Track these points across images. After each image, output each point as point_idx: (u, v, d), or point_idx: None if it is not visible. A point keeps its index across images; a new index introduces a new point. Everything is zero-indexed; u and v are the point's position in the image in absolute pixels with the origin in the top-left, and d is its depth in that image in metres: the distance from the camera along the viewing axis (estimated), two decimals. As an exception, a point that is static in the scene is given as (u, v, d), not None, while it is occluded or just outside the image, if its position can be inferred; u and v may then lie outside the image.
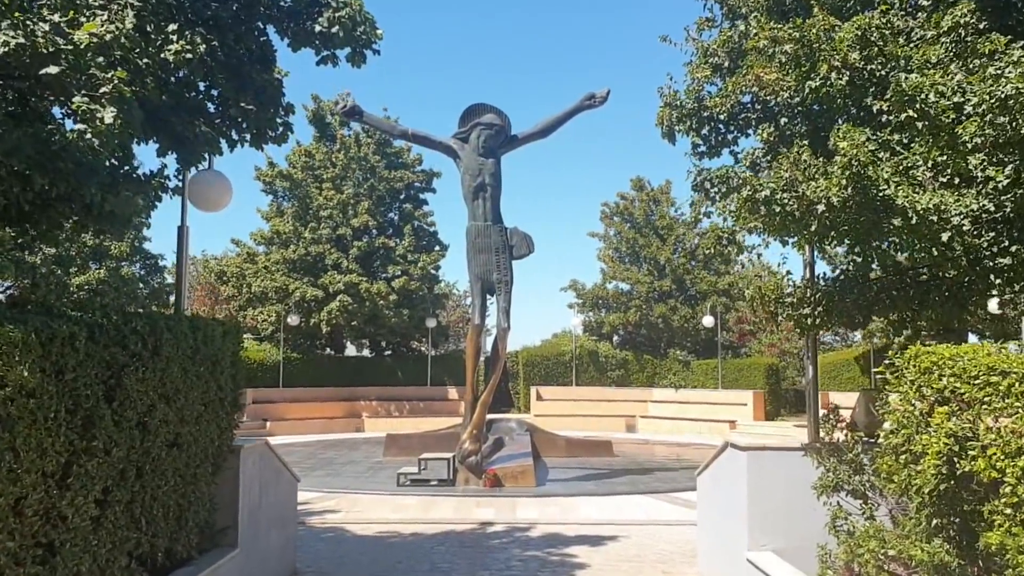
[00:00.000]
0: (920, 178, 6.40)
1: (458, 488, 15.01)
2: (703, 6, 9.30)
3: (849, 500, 6.51)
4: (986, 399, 4.67)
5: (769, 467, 7.33)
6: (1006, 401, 4.57)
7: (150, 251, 30.15)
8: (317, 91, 37.53)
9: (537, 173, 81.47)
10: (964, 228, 6.25)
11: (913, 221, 6.18)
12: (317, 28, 7.72)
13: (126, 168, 6.49)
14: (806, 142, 7.04)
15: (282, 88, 8.07)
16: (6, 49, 4.67)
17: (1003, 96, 5.70)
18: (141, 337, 5.10)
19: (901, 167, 6.42)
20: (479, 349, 17.26)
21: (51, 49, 4.80)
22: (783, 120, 7.91)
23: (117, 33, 5.45)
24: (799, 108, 7.64)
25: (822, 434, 7.13)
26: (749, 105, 8.30)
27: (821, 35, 6.77)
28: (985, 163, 6.17)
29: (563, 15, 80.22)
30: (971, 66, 6.23)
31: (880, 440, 5.73)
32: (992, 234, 6.56)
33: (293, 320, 29.77)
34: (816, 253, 8.69)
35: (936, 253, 6.45)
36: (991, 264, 6.63)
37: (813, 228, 6.61)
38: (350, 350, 36.77)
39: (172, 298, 22.37)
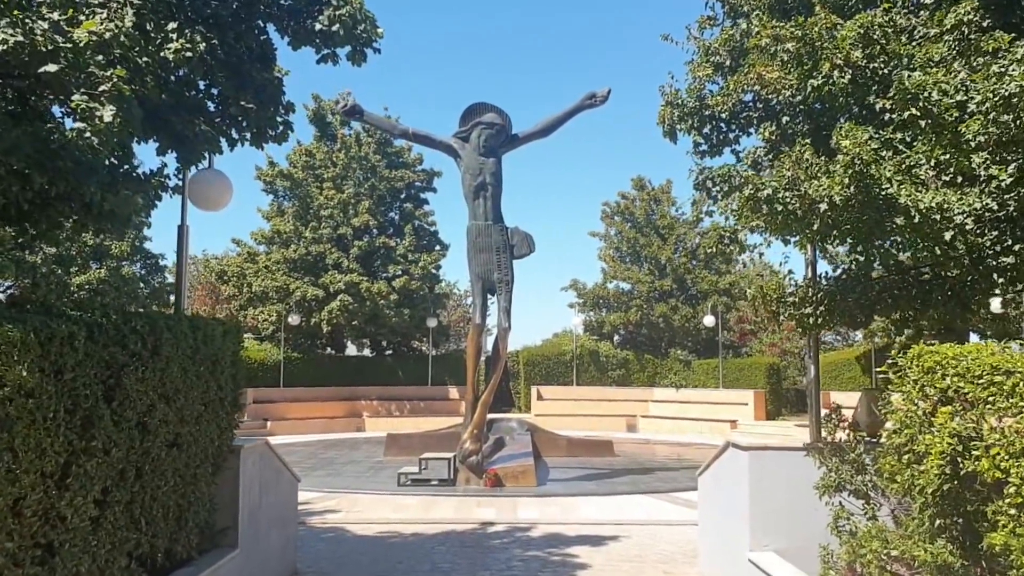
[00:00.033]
0: (923, 177, 6.38)
1: (459, 488, 14.99)
2: (704, 4, 9.30)
3: (851, 500, 6.47)
4: (990, 399, 4.64)
5: (771, 467, 7.30)
6: (1010, 401, 4.53)
7: (151, 251, 30.18)
8: (318, 91, 37.60)
9: (538, 172, 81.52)
10: (967, 227, 6.23)
11: (916, 220, 6.16)
12: (317, 26, 7.69)
13: (126, 167, 6.47)
14: (808, 140, 7.03)
15: (282, 87, 8.05)
16: (5, 47, 4.65)
17: (1007, 94, 5.68)
18: (141, 337, 5.07)
19: (904, 166, 6.40)
20: (480, 349, 17.24)
21: (50, 47, 4.78)
22: (785, 119, 7.89)
23: (116, 31, 5.42)
24: (801, 107, 7.62)
25: (824, 434, 7.10)
26: (751, 104, 8.29)
27: (823, 33, 6.75)
28: (988, 162, 6.14)
29: (563, 15, 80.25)
30: (974, 64, 6.20)
31: (882, 440, 5.70)
32: (995, 233, 6.53)
33: (294, 320, 29.76)
34: (818, 252, 8.67)
35: (939, 252, 6.43)
36: (994, 263, 6.61)
37: (815, 227, 6.59)
38: (351, 350, 36.76)
39: (172, 298, 22.34)
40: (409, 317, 31.23)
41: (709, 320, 31.54)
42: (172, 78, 7.19)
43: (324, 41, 7.85)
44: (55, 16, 5.03)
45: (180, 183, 7.90)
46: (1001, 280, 6.74)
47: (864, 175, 6.22)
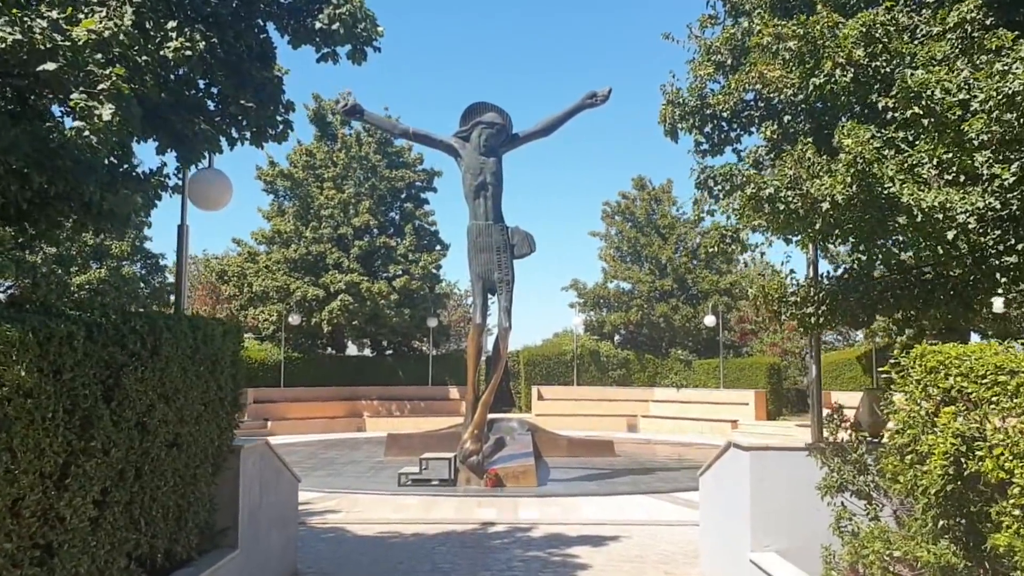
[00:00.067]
0: (925, 176, 6.35)
1: (459, 488, 14.97)
2: (705, 3, 9.26)
3: (853, 501, 6.45)
4: (994, 399, 4.61)
5: (772, 467, 7.28)
6: (1014, 401, 4.51)
7: (151, 250, 30.19)
8: (318, 90, 37.54)
9: (538, 172, 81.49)
10: (970, 226, 6.21)
11: (918, 219, 6.13)
12: (317, 25, 7.68)
13: (125, 166, 6.45)
14: (810, 139, 7.00)
15: (282, 85, 8.03)
16: (3, 45, 4.63)
17: (1010, 92, 5.65)
18: (140, 336, 5.05)
19: (906, 165, 6.37)
20: (480, 348, 17.22)
21: (48, 45, 4.75)
22: (786, 118, 7.87)
23: (116, 30, 5.40)
24: (802, 106, 7.60)
25: (826, 434, 7.08)
26: (752, 103, 8.27)
27: (825, 32, 6.73)
28: (991, 160, 6.11)
29: (563, 15, 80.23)
30: (977, 62, 6.18)
31: (885, 440, 5.67)
32: (998, 232, 6.51)
33: (294, 320, 29.75)
34: (819, 252, 8.65)
35: (941, 251, 6.41)
36: (997, 263, 6.58)
37: (817, 226, 6.56)
38: (351, 350, 36.76)
39: (173, 297, 22.32)
40: (409, 317, 31.22)
41: (710, 320, 31.52)
42: (171, 77, 7.17)
43: (324, 40, 7.83)
44: (54, 14, 5.01)
45: (180, 182, 7.88)
46: (1004, 280, 6.72)
47: (866, 174, 6.19)
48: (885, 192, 6.27)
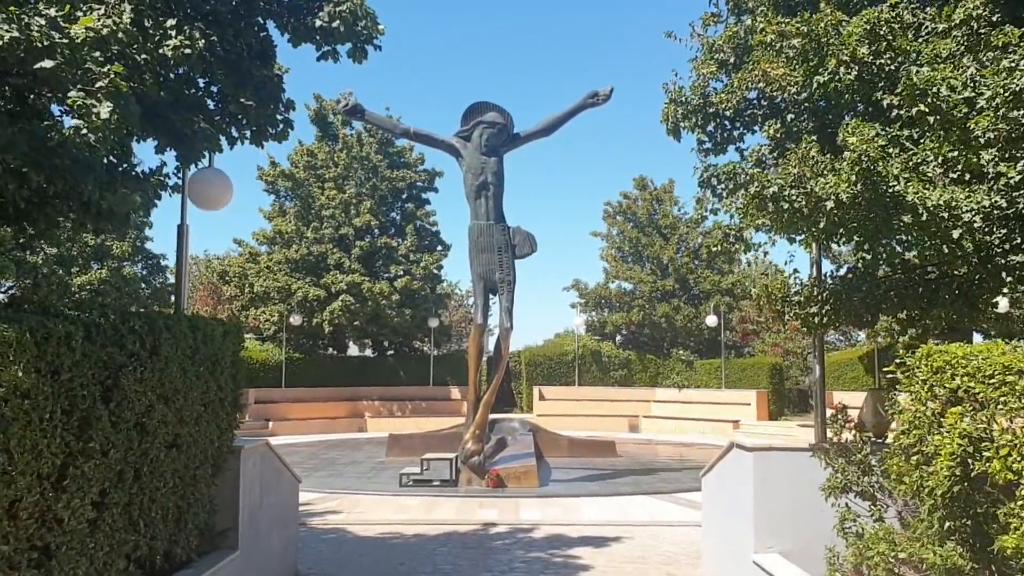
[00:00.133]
0: (930, 174, 6.31)
1: (461, 489, 14.93)
2: (708, 1, 9.23)
3: (857, 501, 6.40)
4: (1001, 399, 4.56)
5: (775, 468, 7.24)
6: (1022, 401, 4.46)
7: (152, 251, 30.21)
8: (319, 91, 37.48)
9: (539, 172, 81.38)
10: (975, 225, 6.17)
11: (923, 218, 6.09)
12: (317, 23, 7.63)
13: (124, 165, 6.41)
14: (814, 138, 6.96)
15: (282, 84, 7.99)
16: (1, 43, 4.58)
17: (1017, 89, 5.61)
18: (139, 337, 5.02)
19: (911, 163, 6.33)
20: (482, 349, 17.18)
21: (46, 43, 4.71)
22: (789, 116, 7.83)
23: (114, 28, 5.36)
24: (806, 104, 7.56)
25: (830, 434, 7.03)
26: (755, 101, 8.23)
27: (829, 29, 6.68)
28: (997, 159, 6.07)
29: (564, 15, 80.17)
30: (984, 59, 6.13)
31: (889, 441, 5.62)
32: (1003, 231, 6.46)
33: (295, 320, 29.73)
34: (822, 252, 8.61)
35: (946, 250, 6.37)
36: (1002, 262, 6.54)
37: (822, 225, 6.52)
38: (352, 350, 36.73)
39: (173, 298, 22.31)
40: (411, 317, 31.19)
41: (711, 320, 31.48)
42: (171, 75, 7.13)
43: (324, 38, 7.79)
44: (52, 12, 4.97)
45: (180, 182, 7.85)
46: (1009, 279, 6.67)
47: (871, 172, 6.15)
48: (890, 191, 6.22)
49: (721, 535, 8.38)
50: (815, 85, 6.90)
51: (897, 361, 5.51)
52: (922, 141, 6.47)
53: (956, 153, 6.15)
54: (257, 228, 33.08)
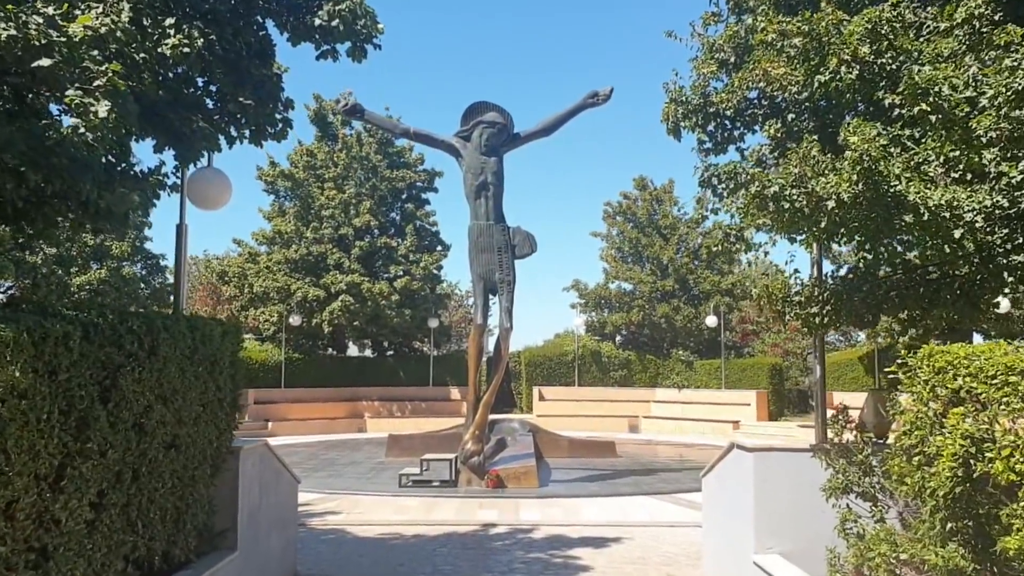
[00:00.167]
0: (932, 174, 6.28)
1: (460, 489, 14.91)
2: (709, 1, 9.19)
3: (858, 502, 6.38)
4: (1004, 399, 4.54)
5: (776, 468, 7.22)
6: (1025, 402, 4.43)
7: (151, 251, 30.18)
8: (319, 91, 37.49)
9: (540, 172, 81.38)
10: (977, 225, 6.14)
11: (925, 217, 6.07)
12: (317, 22, 7.61)
13: (123, 165, 6.39)
14: (815, 137, 6.93)
15: (281, 83, 7.96)
16: (-2, 41, 4.57)
17: (1019, 89, 5.58)
18: (137, 337, 4.99)
19: (912, 162, 6.31)
20: (481, 349, 17.16)
21: (44, 41, 4.69)
22: (790, 116, 7.81)
23: (113, 26, 5.34)
24: (807, 104, 7.54)
25: (831, 435, 7.01)
26: (756, 101, 8.21)
27: (830, 28, 6.65)
28: (999, 158, 6.04)
29: (563, 15, 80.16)
30: (985, 58, 6.11)
31: (891, 441, 5.60)
32: (1005, 231, 6.44)
33: (295, 320, 29.71)
34: (823, 252, 8.58)
35: (948, 250, 6.34)
36: (1004, 262, 6.52)
37: (823, 224, 6.49)
38: (352, 350, 36.72)
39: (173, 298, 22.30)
40: (410, 317, 31.17)
41: (711, 320, 31.47)
42: (169, 74, 7.11)
43: (323, 36, 7.77)
44: (50, 10, 4.95)
45: (179, 182, 7.82)
46: (1011, 279, 6.64)
47: (872, 172, 6.12)
48: (891, 190, 6.20)
49: (721, 536, 8.36)
50: (816, 84, 6.87)
51: (899, 361, 5.49)
52: (923, 140, 6.45)
53: (958, 152, 6.12)
54: (256, 228, 33.08)
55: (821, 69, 6.79)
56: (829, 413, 7.63)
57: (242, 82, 7.60)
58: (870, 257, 6.94)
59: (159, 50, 6.50)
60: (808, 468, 6.84)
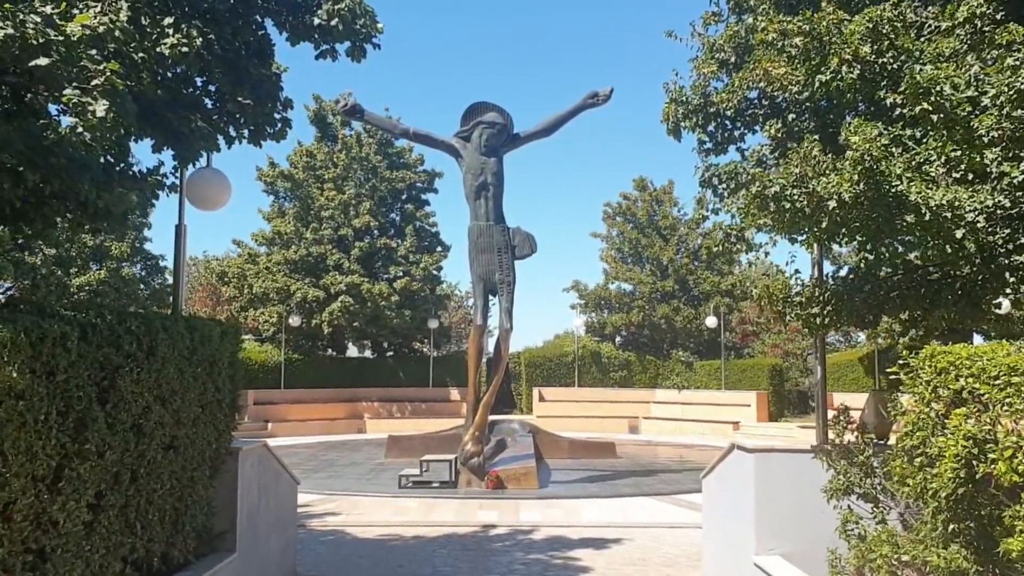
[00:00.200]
0: (933, 174, 6.26)
1: (460, 490, 14.89)
2: (709, 0, 9.17)
3: (860, 504, 6.36)
4: (1006, 400, 4.52)
5: (777, 469, 7.20)
6: (1027, 402, 4.41)
7: (151, 252, 30.15)
8: (318, 91, 37.52)
9: (539, 173, 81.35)
10: (978, 225, 6.12)
11: (926, 218, 6.04)
12: (316, 21, 7.58)
13: (121, 165, 6.36)
14: (816, 137, 6.90)
15: (280, 83, 7.94)
16: (-4, 40, 4.54)
17: (1021, 88, 5.56)
18: (136, 337, 4.97)
19: (914, 162, 6.28)
20: (481, 350, 17.14)
21: (41, 41, 4.67)
22: (791, 116, 7.78)
23: (111, 25, 5.32)
24: (807, 103, 7.51)
25: (832, 436, 6.99)
26: (756, 101, 8.18)
27: (831, 28, 6.63)
28: (1001, 158, 6.02)
29: (564, 15, 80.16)
30: (987, 58, 6.09)
31: (892, 442, 5.58)
32: (1007, 231, 6.42)
33: (294, 321, 29.69)
34: (824, 252, 8.55)
35: (949, 251, 6.32)
36: (1006, 262, 6.49)
37: (824, 225, 6.47)
38: (352, 351, 36.70)
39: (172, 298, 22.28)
40: (410, 318, 31.16)
41: (711, 321, 31.46)
42: (168, 74, 7.09)
43: (323, 36, 7.75)
44: (47, 9, 4.92)
45: (178, 182, 7.80)
46: (1013, 280, 6.62)
47: (873, 172, 6.10)
48: (892, 190, 6.17)
49: (722, 537, 8.34)
50: (817, 84, 6.84)
51: (900, 362, 5.47)
52: (925, 140, 6.42)
53: (959, 152, 6.10)
54: (256, 229, 33.09)
55: (822, 69, 6.76)
56: (830, 414, 7.62)
57: (241, 82, 7.57)
58: (871, 257, 6.90)
59: (157, 49, 6.47)
60: (809, 469, 6.83)
